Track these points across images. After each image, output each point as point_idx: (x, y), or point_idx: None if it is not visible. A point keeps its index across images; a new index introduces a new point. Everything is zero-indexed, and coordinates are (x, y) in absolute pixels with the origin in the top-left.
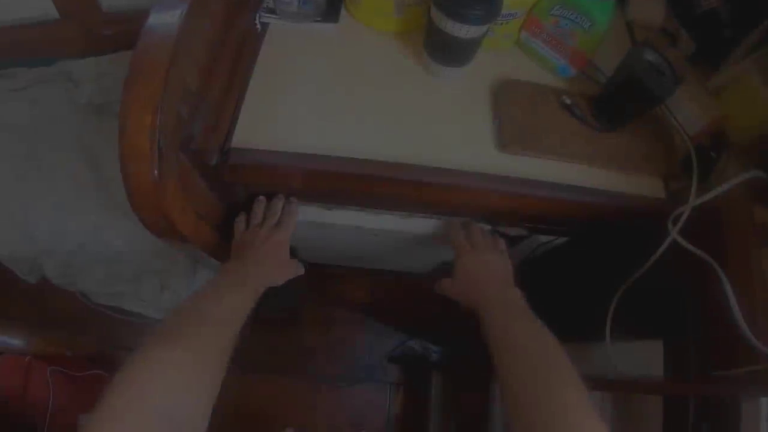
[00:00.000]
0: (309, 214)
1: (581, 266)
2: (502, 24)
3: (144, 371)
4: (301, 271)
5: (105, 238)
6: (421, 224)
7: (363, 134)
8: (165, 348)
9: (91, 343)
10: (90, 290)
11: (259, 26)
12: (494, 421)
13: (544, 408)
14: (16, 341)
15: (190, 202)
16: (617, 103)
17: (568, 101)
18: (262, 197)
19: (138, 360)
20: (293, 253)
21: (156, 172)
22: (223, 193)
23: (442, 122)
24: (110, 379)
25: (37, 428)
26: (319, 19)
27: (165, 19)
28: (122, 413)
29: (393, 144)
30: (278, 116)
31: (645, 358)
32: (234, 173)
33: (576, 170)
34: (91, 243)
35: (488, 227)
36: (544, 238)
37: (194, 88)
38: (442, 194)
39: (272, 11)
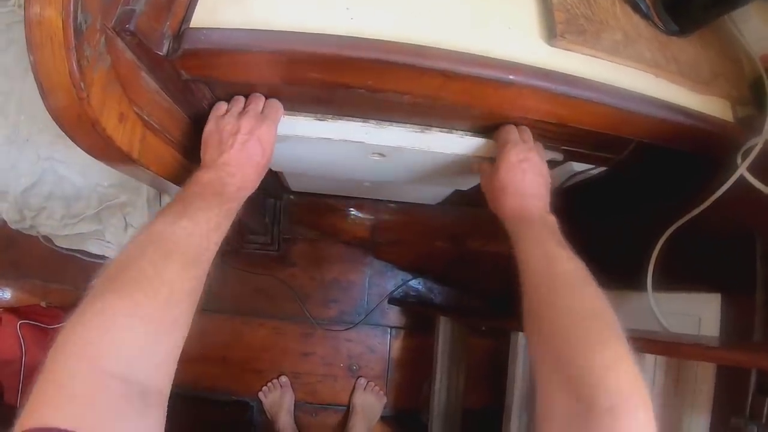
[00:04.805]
0: (297, 127)
1: (620, 202)
2: None
3: (92, 325)
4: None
5: (60, 173)
6: (440, 140)
7: (371, 12)
8: (118, 294)
9: (66, 291)
10: (51, 233)
11: None
12: (513, 368)
13: (596, 361)
14: None
15: (134, 107)
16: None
17: None
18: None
19: (86, 311)
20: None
21: (74, 58)
22: (184, 98)
23: (473, 2)
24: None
25: (10, 390)
26: None
27: None
28: (68, 378)
29: (407, 23)
30: None
31: (695, 312)
32: (192, 63)
33: (641, 78)
34: (46, 179)
35: None
36: (579, 167)
37: None
38: (476, 92)
39: None
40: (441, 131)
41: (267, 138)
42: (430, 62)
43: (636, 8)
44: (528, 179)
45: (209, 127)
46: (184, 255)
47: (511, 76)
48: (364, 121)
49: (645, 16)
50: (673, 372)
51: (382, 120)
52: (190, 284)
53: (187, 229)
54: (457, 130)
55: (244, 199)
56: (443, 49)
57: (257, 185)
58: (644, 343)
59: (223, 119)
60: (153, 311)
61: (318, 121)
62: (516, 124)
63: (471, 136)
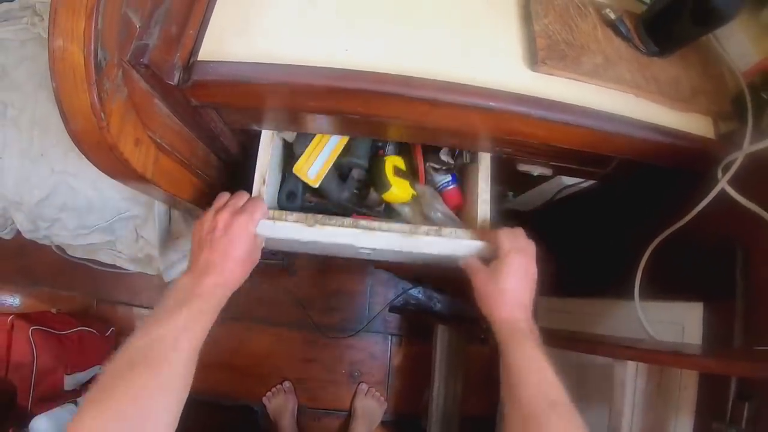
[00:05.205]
0: (286, 231)
1: (609, 213)
2: None
3: (79, 423)
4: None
5: (72, 186)
6: (429, 244)
7: (364, 44)
8: (97, 416)
9: (75, 297)
10: (64, 243)
11: None
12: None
13: None
14: (3, 299)
15: (147, 131)
16: (670, 21)
17: (612, 16)
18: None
19: (77, 413)
20: None
21: (95, 92)
22: (194, 121)
23: (460, 32)
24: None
25: (22, 393)
26: None
27: None
28: None
29: (400, 57)
30: (257, 22)
31: (678, 320)
32: (201, 92)
33: (621, 99)
34: (59, 191)
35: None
36: (569, 180)
37: None
38: (460, 117)
39: None
40: (428, 235)
41: (243, 232)
42: (416, 92)
43: (617, 31)
44: (524, 288)
45: (194, 229)
46: (145, 361)
47: (491, 103)
48: (352, 227)
49: (625, 39)
50: (655, 377)
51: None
52: (158, 382)
53: (152, 335)
54: (441, 232)
55: (226, 295)
56: (428, 79)
57: (246, 276)
58: (627, 351)
59: (203, 218)
60: (119, 411)
61: (307, 227)
62: (506, 231)
63: (461, 238)
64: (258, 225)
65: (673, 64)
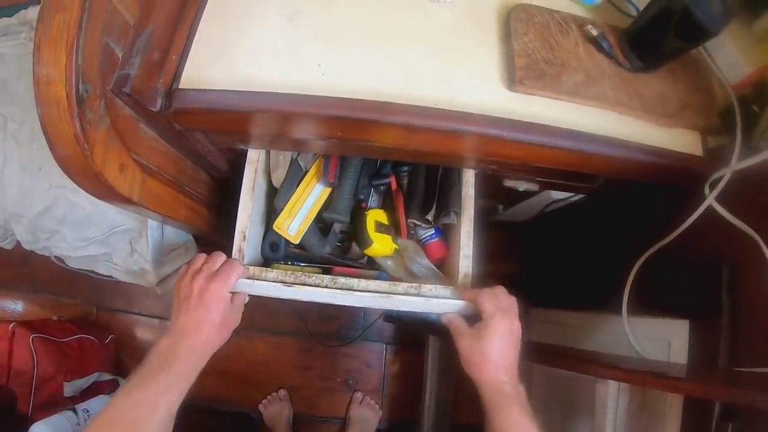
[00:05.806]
0: (266, 290)
1: (598, 228)
2: None
3: None
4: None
5: (71, 199)
6: (408, 303)
7: (341, 68)
8: None
9: (76, 306)
10: (63, 254)
11: None
12: None
13: None
14: (6, 305)
15: (133, 155)
16: (654, 37)
17: (594, 32)
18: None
19: None
20: None
21: (78, 124)
22: (180, 143)
23: (438, 53)
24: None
25: (22, 399)
26: None
27: None
28: None
29: (378, 80)
30: (238, 49)
31: (665, 337)
32: (183, 118)
33: (603, 117)
34: (58, 204)
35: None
36: (557, 195)
37: (132, 18)
38: (438, 141)
39: None
40: (407, 294)
41: (217, 297)
42: (391, 117)
43: (599, 49)
44: (509, 349)
45: (174, 291)
46: (125, 423)
47: (465, 127)
48: (331, 287)
49: (608, 55)
50: (638, 397)
51: (347, 284)
52: None
53: (132, 397)
54: (420, 292)
55: (205, 357)
56: (403, 104)
57: (225, 338)
58: (610, 371)
59: (181, 282)
60: None
61: (285, 287)
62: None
63: (440, 297)
64: (233, 287)
65: (659, 79)
